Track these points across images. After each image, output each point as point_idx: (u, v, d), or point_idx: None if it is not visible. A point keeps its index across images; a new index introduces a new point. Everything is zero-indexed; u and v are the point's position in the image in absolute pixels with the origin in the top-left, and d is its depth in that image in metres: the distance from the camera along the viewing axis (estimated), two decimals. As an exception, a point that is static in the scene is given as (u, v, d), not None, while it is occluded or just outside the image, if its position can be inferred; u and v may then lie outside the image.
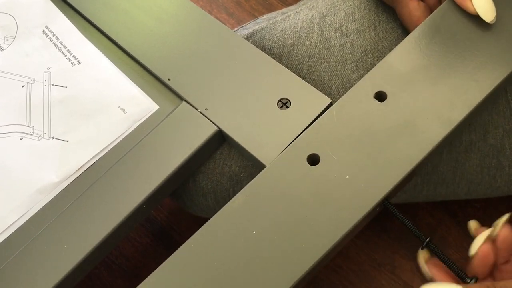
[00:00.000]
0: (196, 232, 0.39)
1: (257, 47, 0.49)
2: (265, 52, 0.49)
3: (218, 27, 0.49)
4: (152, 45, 0.49)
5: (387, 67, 0.43)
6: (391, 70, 0.43)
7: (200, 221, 0.75)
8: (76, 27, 0.51)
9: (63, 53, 0.50)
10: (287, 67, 0.49)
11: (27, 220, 0.43)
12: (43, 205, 0.43)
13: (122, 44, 0.49)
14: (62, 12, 0.52)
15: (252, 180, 0.40)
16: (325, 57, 0.49)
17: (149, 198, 0.43)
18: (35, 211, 0.43)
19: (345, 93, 0.47)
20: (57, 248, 0.41)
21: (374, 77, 0.43)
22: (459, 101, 0.41)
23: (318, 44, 0.50)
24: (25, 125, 0.46)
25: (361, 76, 0.48)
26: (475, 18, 0.44)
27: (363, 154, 0.40)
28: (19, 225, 0.43)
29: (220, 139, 0.45)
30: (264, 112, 0.44)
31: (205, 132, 0.44)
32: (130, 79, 0.48)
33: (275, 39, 0.52)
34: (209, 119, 0.45)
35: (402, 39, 0.49)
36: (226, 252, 0.38)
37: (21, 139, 0.46)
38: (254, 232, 0.38)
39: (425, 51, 0.43)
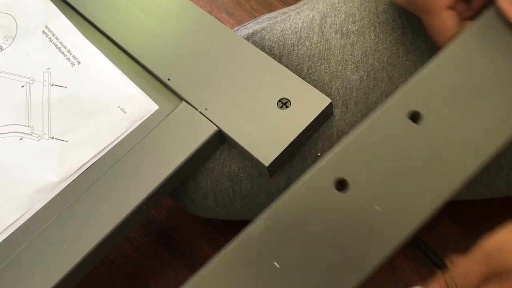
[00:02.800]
0: (212, 262, 0.35)
1: (257, 47, 0.49)
2: (265, 52, 0.49)
3: (218, 27, 0.49)
4: (152, 45, 0.49)
5: (423, 84, 0.38)
6: (427, 88, 0.38)
7: (200, 222, 0.75)
8: (76, 27, 0.51)
9: (63, 53, 0.50)
10: (287, 67, 0.48)
11: (27, 220, 0.43)
12: (42, 205, 0.43)
13: (122, 44, 0.49)
14: (62, 12, 0.52)
15: (275, 205, 0.36)
16: (326, 57, 0.49)
17: (149, 198, 0.42)
18: (35, 211, 0.43)
19: (345, 94, 0.48)
20: (57, 248, 0.41)
21: (408, 95, 0.38)
22: (500, 127, 0.37)
23: (319, 44, 0.50)
24: (25, 125, 0.46)
25: (361, 78, 0.48)
26: None
27: (394, 181, 0.36)
28: (19, 225, 0.43)
29: (220, 139, 0.45)
30: (264, 112, 0.44)
31: (205, 132, 0.44)
32: (130, 79, 0.48)
33: (275, 39, 0.51)
34: (209, 119, 0.45)
35: (402, 40, 0.49)
36: (245, 286, 0.34)
37: (20, 139, 0.46)
38: (276, 263, 0.35)
39: (466, 68, 0.39)
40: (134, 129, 0.46)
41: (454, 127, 0.37)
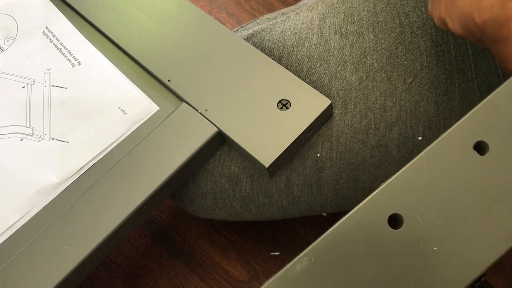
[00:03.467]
0: None
1: (257, 48, 0.49)
2: (265, 53, 0.49)
3: (218, 28, 0.49)
4: (152, 46, 0.49)
5: (491, 110, 0.35)
6: (495, 115, 0.35)
7: (200, 222, 0.75)
8: (77, 28, 0.51)
9: (63, 54, 0.50)
10: (287, 68, 0.49)
11: (27, 221, 0.43)
12: (43, 206, 0.43)
13: (122, 45, 0.49)
14: (62, 13, 0.52)
15: (319, 239, 0.33)
16: (325, 58, 0.49)
17: (149, 199, 0.43)
18: (35, 212, 0.43)
19: (345, 95, 0.48)
20: (57, 249, 0.41)
21: (474, 123, 0.35)
22: None
23: (318, 45, 0.50)
24: (25, 126, 0.46)
25: (361, 78, 0.48)
26: None
27: (457, 222, 0.33)
28: (19, 226, 0.43)
29: (220, 140, 0.46)
30: (264, 113, 0.44)
31: (205, 133, 0.44)
32: (130, 80, 0.48)
33: (275, 40, 0.52)
34: (209, 120, 0.45)
35: (401, 40, 0.49)
36: None
37: (21, 140, 0.46)
38: None
39: None
40: (135, 130, 0.46)
41: None
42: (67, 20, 0.51)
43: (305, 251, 0.33)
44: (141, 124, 0.46)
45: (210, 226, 0.73)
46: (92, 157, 0.45)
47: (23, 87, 0.48)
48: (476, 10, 0.37)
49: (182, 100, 0.46)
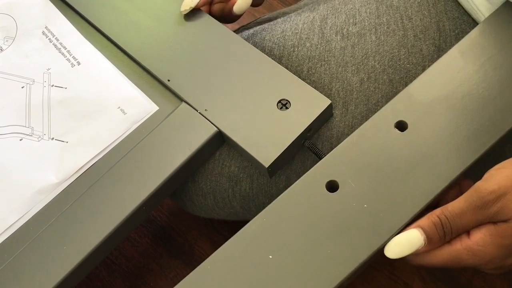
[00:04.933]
0: (213, 254, 0.39)
1: (257, 47, 0.49)
2: (265, 53, 0.49)
3: (218, 28, 0.49)
4: (152, 46, 0.49)
5: (409, 96, 0.43)
6: (412, 100, 0.42)
7: (200, 221, 0.75)
8: (76, 28, 0.51)
9: (63, 54, 0.50)
10: (287, 68, 0.48)
11: (27, 221, 0.43)
12: (42, 206, 0.43)
13: (121, 44, 0.49)
14: (62, 13, 0.52)
15: (270, 204, 0.40)
16: (326, 59, 0.49)
17: (149, 199, 0.43)
18: (35, 212, 0.43)
19: (345, 96, 0.48)
20: (57, 249, 0.41)
21: (395, 106, 0.42)
22: (481, 132, 0.40)
23: (319, 46, 0.50)
24: (25, 126, 0.46)
25: (362, 80, 0.48)
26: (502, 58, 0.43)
27: (382, 184, 0.39)
28: (19, 226, 0.43)
29: (219, 140, 0.45)
30: (264, 113, 0.44)
31: (205, 133, 0.44)
32: (130, 80, 0.48)
33: (276, 40, 0.51)
34: (209, 120, 0.45)
35: (403, 43, 0.49)
36: (242, 276, 0.37)
37: (20, 140, 0.46)
38: (270, 256, 0.38)
39: (447, 81, 0.43)
40: (134, 130, 0.46)
41: (437, 134, 0.40)
42: (67, 20, 0.51)
43: (259, 214, 0.39)
44: (140, 124, 0.46)
45: (210, 226, 0.73)
46: (92, 157, 0.45)
47: (22, 87, 0.48)
48: None
49: (181, 100, 0.46)
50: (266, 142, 0.43)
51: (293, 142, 0.43)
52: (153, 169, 0.43)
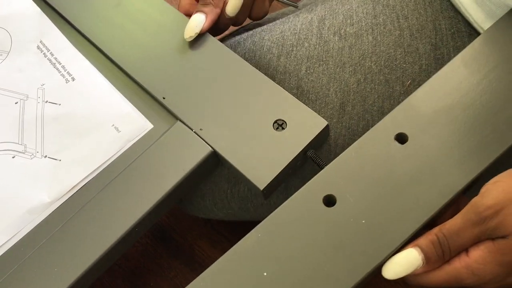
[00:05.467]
0: (206, 270, 0.38)
1: (256, 46, 0.49)
2: (264, 52, 0.49)
3: (215, 45, 0.48)
4: (148, 62, 0.48)
5: (409, 107, 0.41)
6: (413, 111, 0.41)
7: (200, 222, 0.74)
8: (71, 42, 0.50)
9: (57, 69, 0.49)
10: (285, 67, 0.48)
11: (17, 242, 0.42)
12: (33, 226, 0.43)
13: (116, 60, 0.49)
14: (57, 26, 0.51)
15: (266, 218, 0.39)
16: (324, 59, 0.49)
17: (142, 220, 0.42)
18: (26, 232, 0.42)
19: (343, 97, 0.48)
20: (48, 272, 0.40)
21: (395, 118, 0.41)
22: (485, 145, 0.39)
23: (317, 46, 0.50)
24: (18, 143, 0.46)
25: (359, 81, 0.48)
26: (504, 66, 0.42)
27: (381, 199, 0.38)
28: (9, 247, 0.42)
29: (215, 161, 0.45)
30: (260, 133, 0.44)
31: (200, 153, 0.44)
32: (125, 97, 0.47)
33: (275, 39, 0.52)
34: (204, 140, 0.44)
35: (399, 43, 0.48)
36: None
37: (13, 157, 0.45)
38: (265, 273, 0.37)
39: (448, 93, 0.42)
40: (128, 148, 0.45)
41: (438, 147, 0.39)
42: (62, 34, 0.51)
43: (254, 228, 0.38)
44: (134, 143, 0.45)
45: (210, 226, 0.73)
46: (84, 176, 0.44)
47: (16, 103, 0.48)
48: None
49: (176, 118, 0.46)
50: (261, 163, 0.42)
51: (288, 164, 0.42)
52: (146, 189, 0.43)
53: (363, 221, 0.38)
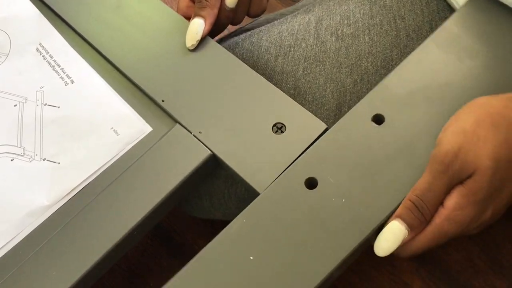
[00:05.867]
0: (193, 259, 0.39)
1: (254, 46, 0.49)
2: (261, 52, 0.49)
3: (215, 48, 0.48)
4: (147, 65, 0.48)
5: (384, 89, 0.43)
6: (388, 93, 0.42)
7: (199, 222, 0.74)
8: (70, 44, 0.50)
9: (56, 71, 0.49)
10: (283, 67, 0.48)
11: (16, 245, 0.42)
12: (32, 229, 0.42)
13: (115, 62, 0.49)
14: (56, 28, 0.51)
15: (250, 205, 0.40)
16: (321, 60, 0.49)
17: (140, 224, 0.42)
18: (24, 235, 0.42)
19: (339, 97, 0.48)
20: (46, 275, 0.40)
21: (371, 100, 0.42)
22: None
23: (314, 47, 0.50)
24: (17, 146, 0.46)
25: (355, 81, 0.48)
26: (480, 39, 0.43)
27: (361, 178, 0.39)
28: (8, 250, 0.42)
29: (214, 164, 0.45)
30: (259, 136, 0.44)
31: (199, 156, 0.44)
32: (124, 99, 0.47)
33: (272, 39, 0.52)
34: (203, 143, 0.44)
35: (396, 43, 0.49)
36: (223, 279, 0.38)
37: (12, 160, 0.45)
38: (251, 257, 0.38)
39: (424, 72, 0.43)
40: (127, 151, 0.45)
41: (415, 126, 0.41)
42: (61, 36, 0.50)
43: (239, 215, 0.39)
44: (133, 146, 0.45)
45: (210, 226, 0.73)
46: (83, 179, 0.44)
47: (15, 105, 0.47)
48: None
49: (176, 121, 0.46)
50: (260, 167, 0.42)
51: (287, 167, 0.42)
52: (145, 193, 0.43)
53: (344, 200, 0.39)
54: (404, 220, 0.36)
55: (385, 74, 0.48)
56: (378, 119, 0.42)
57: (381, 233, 0.37)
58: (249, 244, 0.38)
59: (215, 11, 0.47)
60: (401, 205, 0.37)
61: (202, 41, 0.48)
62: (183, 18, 0.50)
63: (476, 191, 0.36)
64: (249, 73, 0.46)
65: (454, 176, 0.36)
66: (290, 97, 0.45)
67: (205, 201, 0.51)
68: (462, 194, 0.36)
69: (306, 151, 0.41)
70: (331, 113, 0.47)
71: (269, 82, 0.46)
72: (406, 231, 0.36)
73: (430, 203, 0.36)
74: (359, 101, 0.47)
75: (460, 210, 0.36)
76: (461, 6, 0.47)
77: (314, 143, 0.41)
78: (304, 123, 0.43)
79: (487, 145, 0.35)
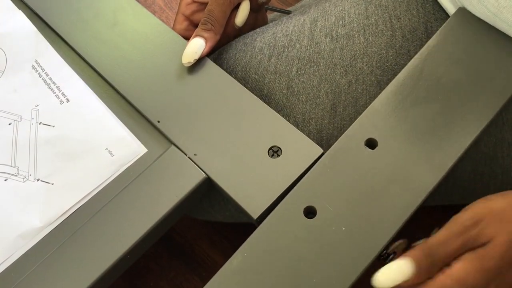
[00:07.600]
0: None
1: (248, 47, 0.49)
2: (255, 52, 0.49)
3: (212, 68, 0.48)
4: (143, 84, 0.48)
5: (375, 112, 0.43)
6: (379, 115, 0.43)
7: (200, 222, 0.74)
8: (67, 61, 0.50)
9: (52, 90, 0.48)
10: (276, 67, 0.48)
11: (8, 267, 0.42)
12: (24, 251, 0.42)
13: (112, 82, 0.48)
14: (53, 44, 0.51)
15: (249, 238, 0.39)
16: (315, 60, 0.49)
17: (134, 247, 0.41)
18: (16, 258, 0.42)
19: (334, 98, 0.48)
20: (38, 298, 0.40)
21: (363, 123, 0.42)
22: (450, 144, 0.41)
23: (308, 47, 0.50)
24: (10, 166, 0.45)
25: (350, 82, 0.48)
26: (460, 64, 0.44)
27: (359, 205, 0.39)
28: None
29: (208, 186, 0.44)
30: (255, 160, 0.43)
31: (194, 179, 0.43)
32: (119, 119, 0.47)
33: (266, 40, 0.52)
34: (197, 166, 0.44)
35: (391, 43, 0.49)
36: None
37: (5, 180, 0.45)
38: None
39: (412, 96, 0.43)
40: (121, 172, 0.45)
41: (408, 149, 0.41)
42: (57, 54, 0.50)
43: (239, 249, 0.39)
44: (128, 167, 0.45)
45: (210, 226, 0.73)
46: (77, 200, 0.43)
47: (9, 124, 0.47)
48: None
49: (171, 142, 0.45)
50: (255, 191, 0.42)
51: (283, 192, 0.42)
52: (139, 215, 0.42)
53: (344, 228, 0.38)
54: (414, 260, 0.36)
55: (381, 75, 0.48)
56: (371, 144, 0.42)
57: (388, 265, 0.37)
58: (250, 279, 0.38)
59: (218, 37, 0.48)
60: (412, 249, 0.37)
61: (199, 61, 0.48)
62: (182, 38, 0.50)
63: (484, 258, 0.36)
64: (247, 95, 0.46)
65: (468, 240, 0.36)
66: (283, 96, 0.45)
67: (205, 203, 0.51)
68: (470, 259, 0.36)
69: (303, 179, 0.41)
70: (326, 113, 0.47)
71: (265, 104, 0.45)
72: (414, 270, 0.36)
73: (441, 256, 0.36)
74: (354, 101, 0.48)
75: (465, 274, 0.36)
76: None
77: (310, 170, 0.41)
78: (300, 147, 0.43)
79: (510, 226, 0.36)
